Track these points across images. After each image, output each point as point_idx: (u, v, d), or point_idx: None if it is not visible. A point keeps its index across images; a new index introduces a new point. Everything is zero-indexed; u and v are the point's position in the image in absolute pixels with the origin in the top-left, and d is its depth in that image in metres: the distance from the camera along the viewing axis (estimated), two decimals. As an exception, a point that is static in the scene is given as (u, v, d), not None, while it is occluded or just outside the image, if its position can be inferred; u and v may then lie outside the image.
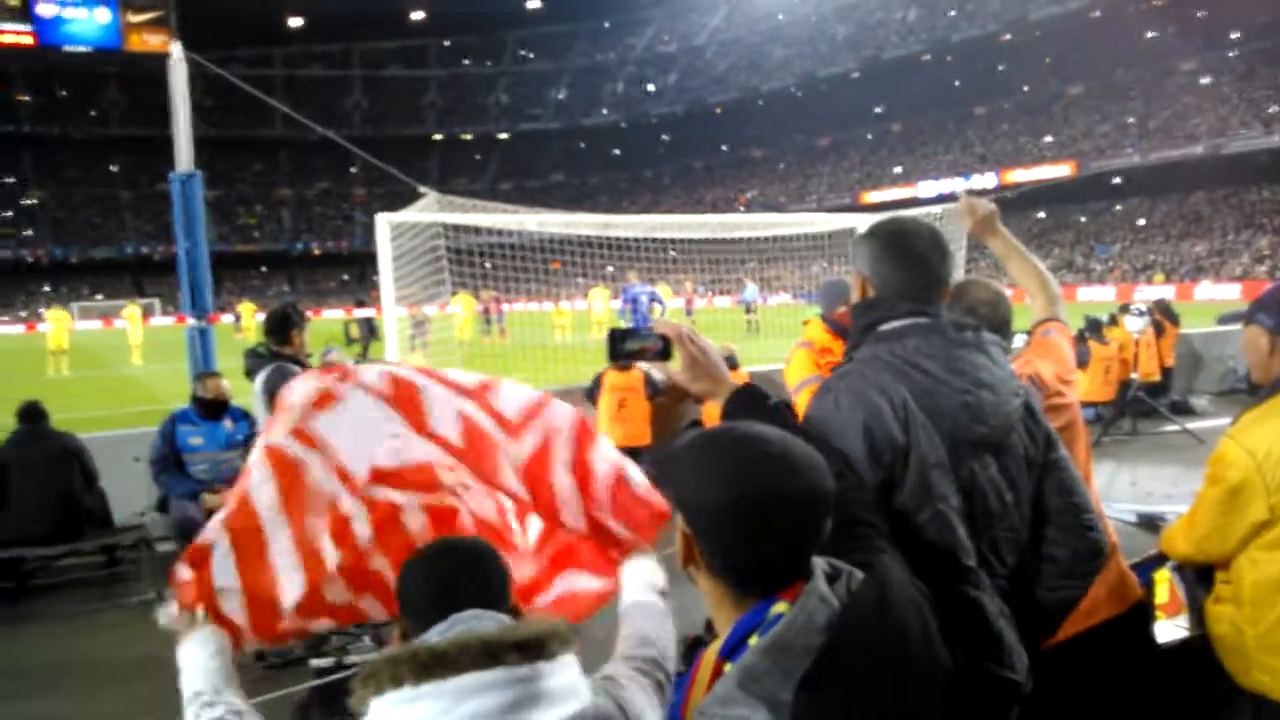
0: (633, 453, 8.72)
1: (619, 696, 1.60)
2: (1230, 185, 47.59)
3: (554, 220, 13.62)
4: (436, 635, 1.48)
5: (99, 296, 60.99)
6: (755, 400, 1.88)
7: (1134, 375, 11.14)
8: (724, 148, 74.70)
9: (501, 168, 79.56)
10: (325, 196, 75.84)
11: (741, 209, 61.90)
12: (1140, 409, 10.81)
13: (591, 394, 8.99)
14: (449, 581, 1.59)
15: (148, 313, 42.94)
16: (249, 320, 30.77)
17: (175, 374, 17.27)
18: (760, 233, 15.00)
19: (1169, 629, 3.09)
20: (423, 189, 10.81)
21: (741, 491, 1.33)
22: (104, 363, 26.89)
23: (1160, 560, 2.94)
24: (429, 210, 11.91)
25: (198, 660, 1.98)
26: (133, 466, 6.81)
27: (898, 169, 60.76)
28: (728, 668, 1.30)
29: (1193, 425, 10.42)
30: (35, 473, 6.15)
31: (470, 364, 14.38)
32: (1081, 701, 2.31)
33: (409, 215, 11.09)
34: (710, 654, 1.39)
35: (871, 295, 2.00)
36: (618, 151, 79.68)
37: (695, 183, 73.85)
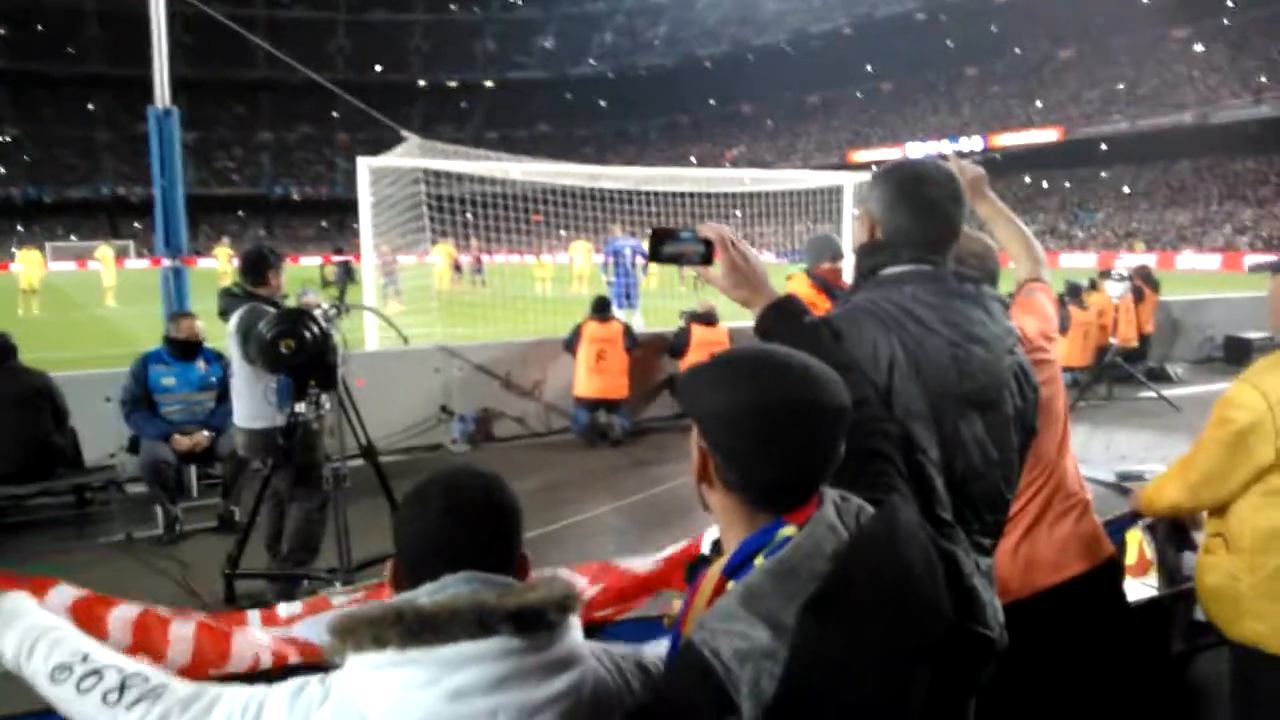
0: (610, 405, 8.75)
1: (619, 656, 1.52)
2: (1216, 155, 47.73)
3: (540, 170, 13.49)
4: (426, 596, 1.36)
5: (73, 237, 60.16)
6: (792, 314, 1.84)
7: (1112, 341, 11.18)
8: (712, 102, 74.15)
9: (487, 117, 78.68)
10: (306, 141, 74.86)
11: (728, 165, 61.64)
12: (1117, 374, 10.87)
13: (570, 345, 8.96)
14: (450, 531, 1.43)
15: (122, 255, 42.42)
16: (225, 264, 30.43)
17: (149, 317, 17.09)
18: (746, 189, 14.92)
19: (1138, 588, 3.11)
20: (405, 133, 10.63)
21: (760, 403, 1.34)
22: (76, 304, 26.62)
23: (1132, 520, 2.94)
24: (411, 156, 11.77)
25: (20, 636, 1.58)
26: (104, 407, 6.74)
27: (886, 129, 60.51)
28: (731, 585, 1.31)
29: (1169, 392, 10.48)
30: (4, 410, 6.05)
31: (448, 314, 14.30)
32: (1052, 655, 2.31)
33: (391, 159, 10.97)
34: (714, 570, 1.39)
35: (879, 238, 1.95)
36: (604, 103, 78.95)
37: (681, 138, 73.35)
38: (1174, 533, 3.08)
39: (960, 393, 1.84)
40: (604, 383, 8.75)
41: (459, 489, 1.46)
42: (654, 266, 20.24)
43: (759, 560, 1.32)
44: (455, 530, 1.42)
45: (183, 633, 2.05)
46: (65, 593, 1.97)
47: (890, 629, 1.30)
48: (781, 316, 1.83)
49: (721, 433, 1.38)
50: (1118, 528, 2.82)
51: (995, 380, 1.90)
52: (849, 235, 11.31)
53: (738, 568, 1.35)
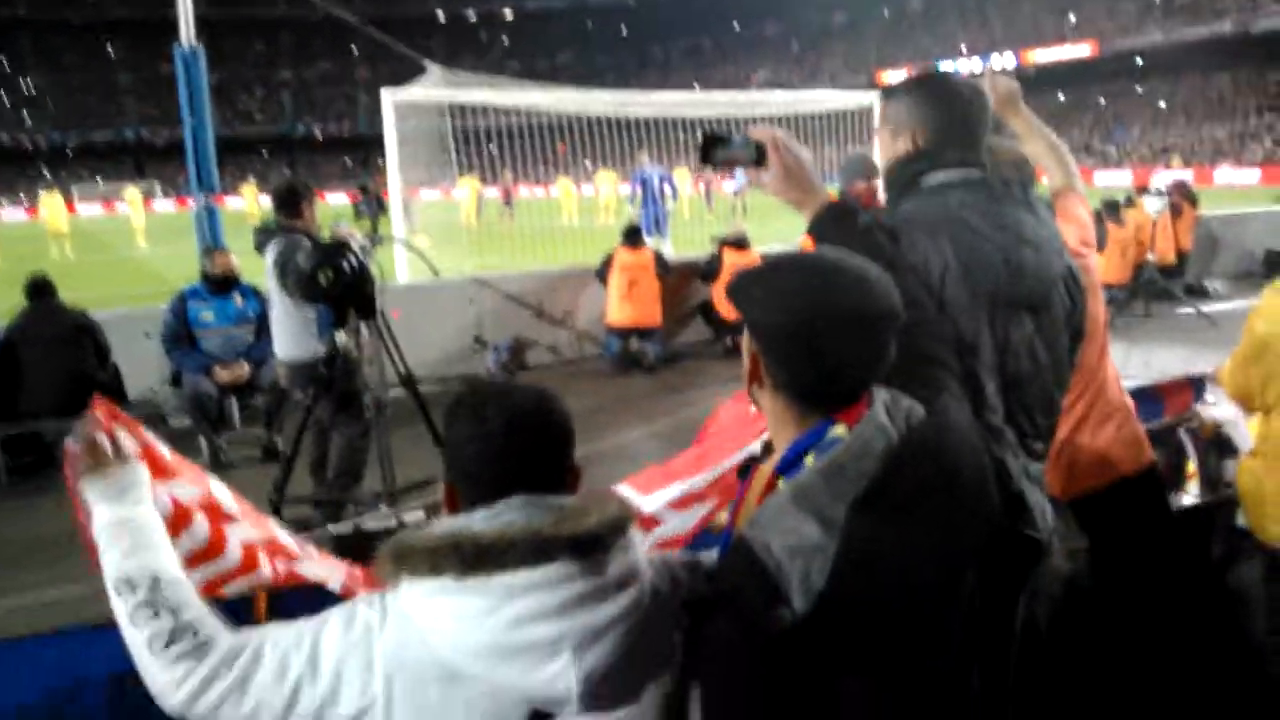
0: (642, 332, 8.77)
1: (675, 563, 1.51)
2: (1256, 66, 46.26)
3: (567, 99, 13.27)
4: (482, 522, 1.34)
5: (99, 181, 60.35)
6: (846, 215, 1.84)
7: (1150, 257, 11.02)
8: (735, 25, 72.62)
9: (507, 48, 77.63)
10: (327, 78, 74.27)
11: (754, 90, 60.67)
12: (1155, 291, 10.74)
13: (602, 273, 8.95)
14: (504, 447, 1.39)
15: (149, 196, 42.58)
16: (252, 204, 30.49)
17: (180, 257, 17.22)
18: (774, 112, 14.68)
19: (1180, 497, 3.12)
20: (427, 63, 10.52)
21: (811, 307, 1.36)
22: (107, 246, 26.81)
23: (1173, 427, 2.95)
24: (436, 88, 11.67)
25: (118, 521, 1.56)
26: (144, 343, 6.85)
27: (915, 48, 59.09)
28: (782, 483, 1.34)
29: (1207, 308, 10.35)
30: (48, 348, 6.16)
31: (477, 247, 14.30)
32: (1094, 558, 2.34)
33: (416, 92, 10.87)
34: (765, 469, 1.43)
35: (919, 146, 1.94)
36: (625, 30, 77.57)
37: (704, 62, 72.03)
38: (1215, 440, 3.08)
39: (1011, 296, 1.84)
40: (636, 310, 8.76)
41: (511, 405, 1.42)
42: (681, 194, 20.09)
43: (809, 459, 1.35)
44: (509, 447, 1.39)
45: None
46: (189, 488, 1.94)
47: (937, 528, 1.33)
48: (835, 218, 1.83)
49: (772, 336, 1.40)
50: (1159, 436, 2.82)
51: (1045, 282, 1.89)
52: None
53: (789, 467, 1.38)
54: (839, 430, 1.36)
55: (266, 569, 2.06)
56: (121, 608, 1.44)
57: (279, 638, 1.38)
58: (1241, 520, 2.69)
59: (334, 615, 1.38)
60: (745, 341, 1.45)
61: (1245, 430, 2.80)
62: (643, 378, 8.60)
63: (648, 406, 7.40)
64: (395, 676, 1.31)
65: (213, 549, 1.95)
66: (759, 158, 1.88)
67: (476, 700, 1.30)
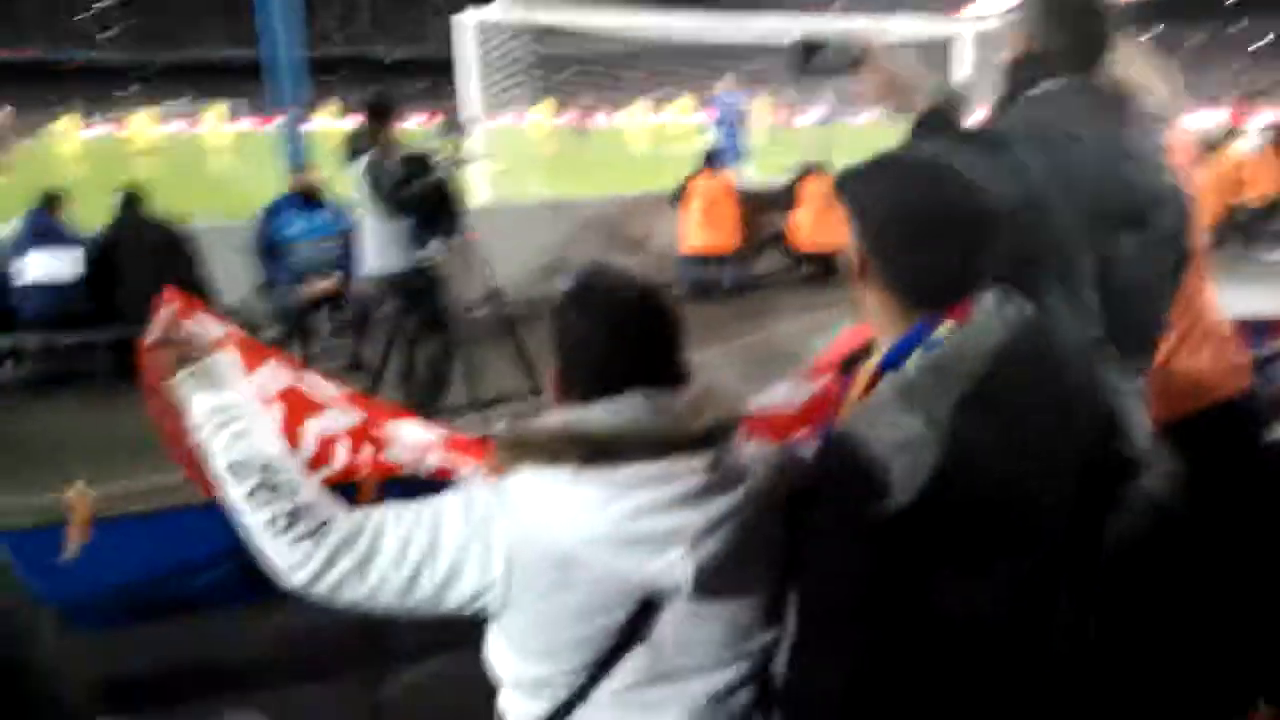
0: (719, 259, 8.76)
1: (783, 456, 1.54)
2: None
3: (652, 23, 12.97)
4: (601, 416, 1.37)
5: (184, 99, 61.18)
6: (948, 119, 1.86)
7: (1242, 200, 10.62)
8: (818, -50, 70.49)
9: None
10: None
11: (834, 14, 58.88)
12: (1250, 234, 10.38)
13: (676, 199, 8.91)
14: (619, 346, 1.41)
15: (234, 114, 43.09)
16: (335, 123, 30.67)
17: (264, 175, 17.47)
18: (851, 33, 14.25)
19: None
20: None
21: (918, 205, 1.36)
22: (192, 163, 27.29)
23: (1276, 357, 2.89)
24: (511, 10, 11.53)
25: (219, 408, 1.55)
26: (233, 256, 7.01)
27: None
28: (885, 379, 1.35)
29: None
30: (141, 257, 6.34)
31: (550, 176, 14.28)
32: (1191, 480, 2.32)
33: (492, 14, 10.74)
34: (871, 364, 1.44)
35: (1032, 51, 1.90)
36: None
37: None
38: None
39: (1112, 209, 1.81)
40: (712, 236, 8.73)
41: (618, 296, 1.44)
42: (762, 119, 19.78)
43: (915, 356, 1.35)
44: (618, 335, 1.41)
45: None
46: (276, 376, 1.96)
47: (1041, 428, 1.34)
48: (936, 123, 1.82)
49: (880, 233, 1.40)
50: (1263, 365, 2.77)
51: (1150, 197, 1.86)
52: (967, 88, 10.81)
53: (894, 363, 1.38)
54: (946, 328, 1.36)
55: (341, 460, 2.09)
56: (236, 493, 1.46)
57: (399, 519, 1.41)
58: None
59: (453, 500, 1.42)
60: (853, 236, 1.45)
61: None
62: (718, 305, 8.60)
63: (724, 331, 7.37)
64: (514, 560, 1.35)
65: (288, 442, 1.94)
66: (858, 63, 1.87)
67: (591, 585, 1.35)
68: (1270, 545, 2.58)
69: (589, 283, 1.48)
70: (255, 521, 1.43)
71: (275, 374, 1.96)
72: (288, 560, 1.40)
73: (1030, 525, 1.37)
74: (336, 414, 2.08)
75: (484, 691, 1.65)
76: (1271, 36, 47.35)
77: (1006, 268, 1.43)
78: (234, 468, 1.47)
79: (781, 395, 2.23)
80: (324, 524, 1.41)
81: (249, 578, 2.22)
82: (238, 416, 1.54)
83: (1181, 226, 1.92)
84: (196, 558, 2.24)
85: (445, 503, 1.42)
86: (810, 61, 1.88)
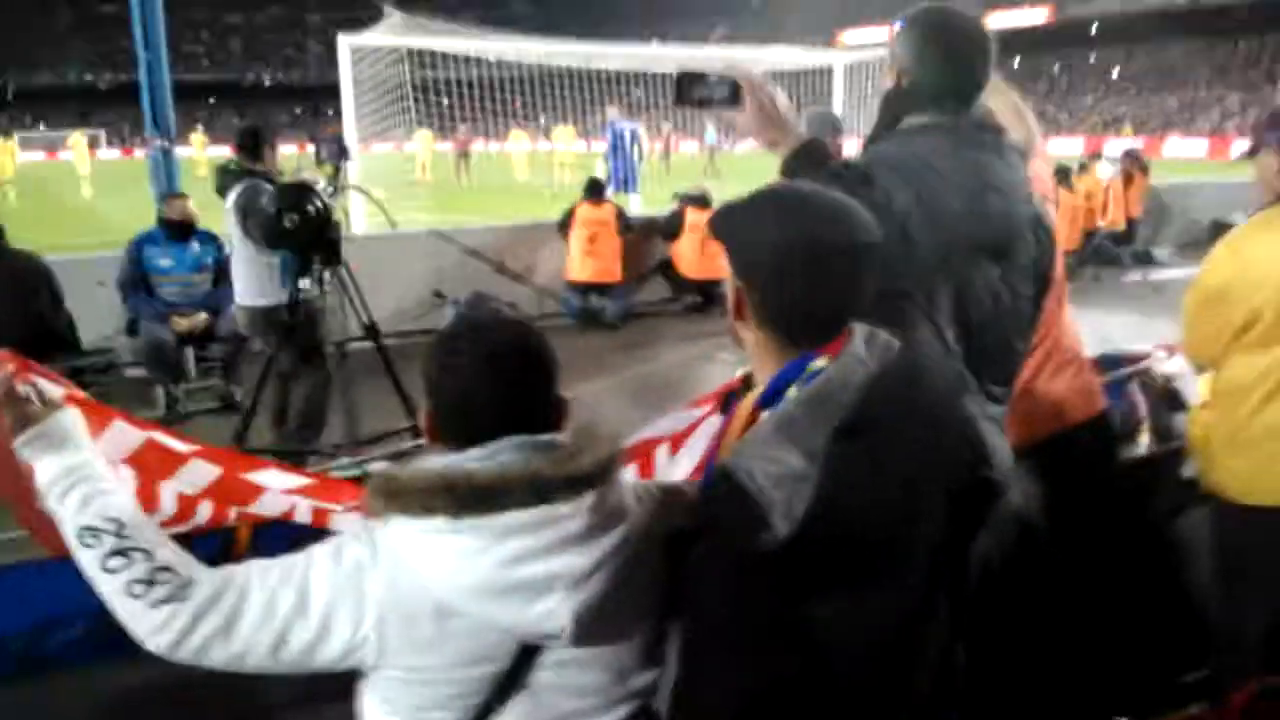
0: (603, 288, 8.78)
1: (657, 490, 1.54)
2: (1207, 37, 46.89)
3: (534, 48, 13.06)
4: (477, 462, 1.34)
5: (41, 126, 58.50)
6: (819, 157, 1.87)
7: (1100, 224, 11.23)
8: (695, -19, 71.86)
9: (463, -2, 76.21)
10: (277, 23, 72.45)
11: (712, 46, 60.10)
12: (1104, 257, 10.96)
13: (563, 228, 8.93)
14: (489, 381, 1.38)
15: (94, 144, 41.38)
16: (200, 152, 29.76)
17: (128, 206, 16.80)
18: (731, 66, 14.60)
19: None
20: (387, 7, 10.32)
21: (793, 240, 1.39)
22: (51, 194, 26.08)
23: (1129, 379, 3.05)
24: (393, 33, 11.44)
25: (65, 471, 1.46)
26: (97, 291, 6.68)
27: (875, 9, 58.88)
28: (765, 414, 1.38)
29: (1154, 275, 10.60)
30: (2, 290, 6.01)
31: (434, 200, 14.15)
32: (1052, 500, 2.43)
33: (374, 38, 10.66)
34: (748, 402, 1.46)
35: (904, 86, 1.96)
36: (584, -17, 76.45)
37: (663, 15, 71.25)
38: (1166, 393, 3.19)
39: (974, 241, 1.87)
40: (596, 266, 8.76)
41: (493, 338, 1.42)
42: (649, 150, 20.00)
43: (792, 391, 1.38)
44: (493, 379, 1.38)
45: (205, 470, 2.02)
46: (124, 437, 1.89)
47: (913, 456, 1.39)
48: (808, 159, 1.86)
49: (756, 269, 1.43)
50: (1115, 387, 2.93)
51: (1011, 229, 1.93)
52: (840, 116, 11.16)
53: (771, 399, 1.41)
54: (821, 363, 1.39)
55: (205, 517, 2.03)
56: (90, 558, 1.38)
57: (265, 576, 1.36)
58: (1189, 470, 2.80)
59: (321, 552, 1.37)
60: (728, 276, 1.48)
61: (1194, 385, 2.90)
62: (603, 334, 8.62)
63: (608, 362, 7.39)
64: (387, 614, 1.32)
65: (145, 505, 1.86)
66: (734, 97, 1.90)
67: (469, 635, 1.33)
68: (1126, 562, 2.71)
69: (463, 325, 1.47)
70: (112, 586, 1.36)
71: (123, 434, 1.88)
72: (149, 624, 1.33)
73: (905, 550, 1.42)
74: (193, 470, 2.01)
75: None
76: (1129, 68, 50.30)
77: (875, 301, 1.48)
78: (86, 532, 1.39)
79: (663, 427, 2.26)
80: (185, 585, 1.35)
81: (106, 635, 2.13)
82: (86, 478, 1.45)
83: (1041, 257, 2.01)
84: (51, 614, 2.14)
85: (313, 557, 1.37)
86: (689, 94, 1.91)
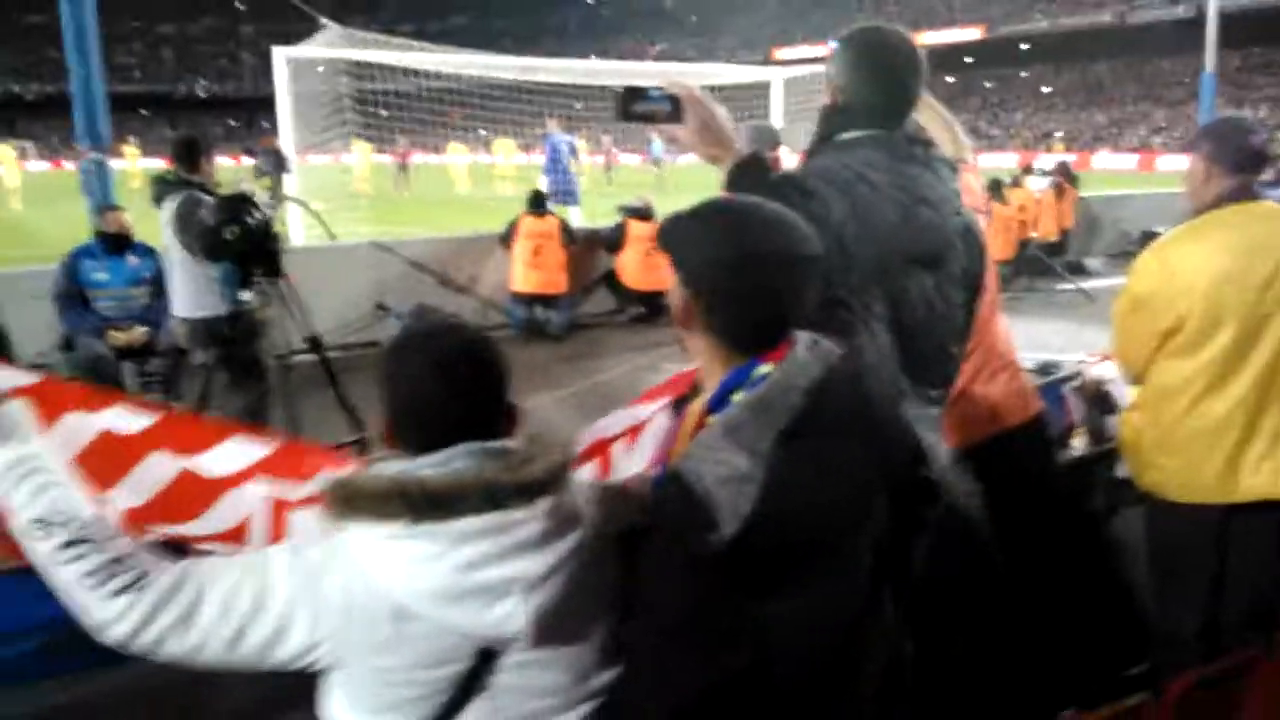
0: (547, 300, 8.78)
1: (605, 491, 1.57)
2: (1133, 55, 48.35)
3: (474, 61, 13.03)
4: (431, 469, 1.36)
5: (-35, 138, 56.84)
6: (759, 170, 1.92)
7: (1033, 235, 11.51)
8: (634, -4, 72.40)
9: (400, 8, 75.65)
10: (211, 35, 71.36)
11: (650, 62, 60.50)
12: (1037, 268, 11.24)
13: (506, 240, 8.92)
14: (441, 386, 1.40)
15: (23, 156, 40.27)
16: (134, 164, 29.13)
17: (59, 219, 16.40)
18: (672, 82, 14.72)
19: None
20: (324, 20, 10.23)
21: (738, 250, 1.44)
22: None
23: (1063, 383, 3.15)
24: (330, 45, 11.34)
25: (12, 463, 1.44)
26: (31, 305, 6.51)
27: (811, 27, 59.81)
28: (711, 419, 1.42)
29: (1086, 285, 10.89)
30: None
31: (374, 213, 14.03)
32: (990, 501, 2.49)
33: (310, 49, 10.55)
34: (696, 407, 1.51)
35: (838, 102, 2.01)
36: (523, -4, 76.51)
37: (602, 31, 71.60)
38: (1099, 396, 3.29)
39: (907, 251, 1.93)
40: (541, 277, 8.76)
41: (445, 345, 1.44)
42: (584, 164, 20.06)
43: (737, 396, 1.43)
44: (446, 386, 1.40)
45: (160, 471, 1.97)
46: (78, 432, 1.85)
47: (856, 456, 1.43)
48: (749, 173, 1.90)
49: (702, 279, 1.47)
50: (1050, 391, 3.02)
51: (942, 239, 1.99)
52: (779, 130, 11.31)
53: (718, 404, 1.45)
54: (766, 369, 1.43)
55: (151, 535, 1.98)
56: (42, 550, 1.38)
57: (225, 572, 1.37)
58: (1122, 471, 2.89)
59: (280, 554, 1.39)
60: (674, 284, 1.51)
61: (1126, 389, 3.00)
62: (548, 346, 8.62)
63: (553, 374, 7.38)
64: (346, 616, 1.33)
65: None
66: (675, 112, 1.94)
67: (427, 639, 1.34)
68: (1065, 560, 2.79)
69: (415, 332, 1.49)
70: (69, 576, 1.36)
71: (75, 431, 1.85)
72: (105, 615, 1.34)
73: (849, 548, 1.46)
74: (145, 471, 1.97)
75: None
76: (1059, 84, 51.54)
77: (816, 309, 1.53)
78: (37, 525, 1.39)
79: (613, 424, 2.29)
80: (143, 575, 1.36)
81: (65, 647, 2.09)
82: (36, 469, 1.44)
83: (972, 266, 2.07)
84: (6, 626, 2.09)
85: (272, 556, 1.39)
86: (631, 108, 1.93)
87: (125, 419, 1.96)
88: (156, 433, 1.98)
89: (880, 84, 1.97)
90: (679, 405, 1.64)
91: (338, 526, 1.36)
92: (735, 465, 1.35)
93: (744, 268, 1.43)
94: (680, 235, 1.51)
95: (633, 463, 2.20)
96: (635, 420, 2.24)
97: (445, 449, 1.38)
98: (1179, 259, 2.55)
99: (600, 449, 2.23)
